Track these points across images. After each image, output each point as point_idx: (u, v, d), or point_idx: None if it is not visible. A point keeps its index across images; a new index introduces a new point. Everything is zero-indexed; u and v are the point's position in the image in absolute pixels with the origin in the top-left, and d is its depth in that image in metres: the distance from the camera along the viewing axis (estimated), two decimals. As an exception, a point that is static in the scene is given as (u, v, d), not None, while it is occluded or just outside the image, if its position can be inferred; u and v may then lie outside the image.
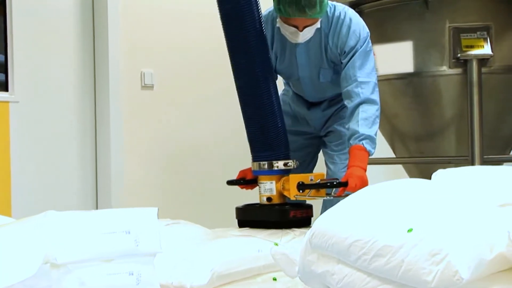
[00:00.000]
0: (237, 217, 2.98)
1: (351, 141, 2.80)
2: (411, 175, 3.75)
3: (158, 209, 2.42)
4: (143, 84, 4.40)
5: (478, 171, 2.13)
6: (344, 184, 2.73)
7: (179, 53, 4.42)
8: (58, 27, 4.14)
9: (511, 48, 3.38)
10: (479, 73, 3.25)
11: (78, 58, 4.27)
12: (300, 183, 2.80)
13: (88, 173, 4.22)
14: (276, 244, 2.28)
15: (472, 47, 3.28)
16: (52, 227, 2.13)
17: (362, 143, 2.79)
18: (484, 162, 3.30)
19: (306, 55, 2.91)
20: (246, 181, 3.02)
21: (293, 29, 2.78)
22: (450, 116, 3.46)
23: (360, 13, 3.54)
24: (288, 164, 2.89)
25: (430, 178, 2.10)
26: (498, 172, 2.04)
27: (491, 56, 3.28)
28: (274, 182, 2.90)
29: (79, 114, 4.22)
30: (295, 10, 2.71)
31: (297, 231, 2.74)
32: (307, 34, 2.79)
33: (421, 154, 3.61)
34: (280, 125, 2.86)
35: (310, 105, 3.12)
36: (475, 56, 3.26)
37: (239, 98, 2.88)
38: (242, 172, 3.05)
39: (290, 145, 2.98)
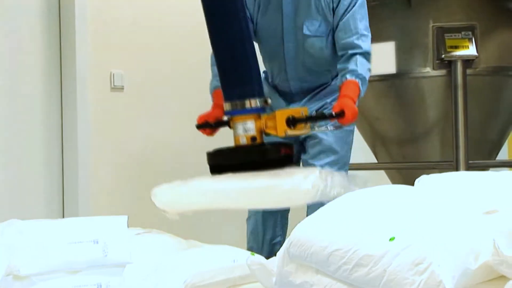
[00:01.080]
0: (215, 162, 2.77)
1: (347, 76, 2.74)
2: (394, 181, 3.69)
3: (128, 217, 2.36)
4: (112, 86, 4.31)
5: (462, 177, 2.12)
6: (341, 115, 2.64)
7: (151, 53, 4.32)
8: (21, 24, 4.03)
9: (497, 48, 3.34)
10: (464, 74, 3.21)
11: (43, 57, 4.17)
12: (291, 117, 2.63)
13: (54, 179, 4.11)
14: (253, 254, 2.23)
15: (456, 47, 3.24)
16: (15, 237, 2.06)
17: (358, 81, 2.73)
18: (469, 167, 3.23)
19: (293, 3, 2.88)
20: (216, 123, 2.88)
21: None
22: (434, 120, 3.41)
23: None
24: (267, 102, 2.69)
25: (413, 184, 2.06)
26: (483, 178, 2.02)
27: (476, 57, 3.24)
28: (253, 121, 2.69)
29: (44, 116, 4.11)
30: None
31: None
32: None
33: (404, 159, 3.56)
34: (252, 62, 2.68)
35: (290, 101, 3.02)
36: (460, 57, 3.21)
37: (210, 39, 2.71)
38: (202, 117, 2.90)
39: None
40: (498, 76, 3.37)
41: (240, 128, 2.71)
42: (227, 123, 2.78)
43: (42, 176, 4.04)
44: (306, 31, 2.89)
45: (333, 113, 2.64)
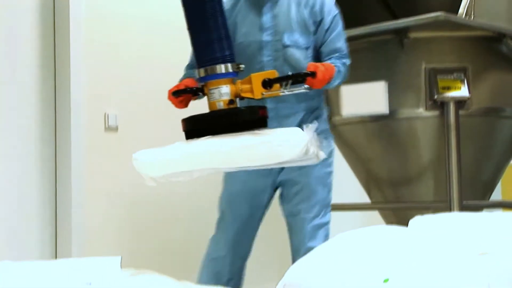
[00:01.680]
0: (193, 127, 2.83)
1: (327, 60, 2.88)
2: (388, 221, 3.68)
3: (121, 258, 2.34)
4: (107, 126, 4.32)
5: (456, 217, 2.12)
6: (313, 75, 2.73)
7: (146, 93, 4.34)
8: (17, 62, 4.06)
9: (488, 90, 3.35)
10: (457, 115, 3.21)
11: (37, 97, 4.17)
12: (267, 79, 2.74)
13: (47, 220, 4.09)
14: None
15: (449, 88, 3.25)
16: (5, 280, 2.05)
17: (336, 69, 2.85)
18: (463, 208, 3.22)
19: (272, 14, 2.95)
20: (191, 89, 2.89)
21: None
22: (428, 160, 3.41)
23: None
24: (239, 67, 2.80)
25: (407, 225, 2.06)
26: (477, 218, 2.01)
27: (468, 98, 3.25)
28: (228, 85, 2.79)
29: (38, 156, 4.10)
30: None
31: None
32: None
33: (398, 199, 3.55)
34: (224, 30, 2.82)
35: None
36: (452, 98, 3.22)
37: (184, 12, 2.85)
38: (179, 85, 2.96)
39: (234, 187, 3.01)
40: (490, 117, 3.38)
41: (216, 93, 2.80)
42: (201, 91, 2.85)
43: (36, 216, 4.02)
44: (286, 41, 2.93)
45: (307, 72, 2.74)
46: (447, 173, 3.25)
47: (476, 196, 3.49)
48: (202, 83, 2.84)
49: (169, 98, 2.95)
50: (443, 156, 3.29)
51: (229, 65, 2.80)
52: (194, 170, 2.77)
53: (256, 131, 2.70)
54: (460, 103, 3.23)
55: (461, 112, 3.24)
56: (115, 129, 4.31)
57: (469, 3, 3.25)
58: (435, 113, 3.28)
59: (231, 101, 2.79)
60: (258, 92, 2.76)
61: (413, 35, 3.31)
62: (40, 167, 4.12)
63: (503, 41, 3.31)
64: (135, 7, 4.30)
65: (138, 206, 4.32)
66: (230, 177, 3.07)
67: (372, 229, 1.96)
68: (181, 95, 2.91)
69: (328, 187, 2.98)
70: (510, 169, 3.81)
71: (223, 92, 2.81)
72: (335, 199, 2.99)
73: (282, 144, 2.62)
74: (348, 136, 3.58)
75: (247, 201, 3.05)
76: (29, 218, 4.03)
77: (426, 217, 2.07)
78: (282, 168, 3.00)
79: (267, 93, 2.75)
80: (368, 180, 3.68)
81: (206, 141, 2.72)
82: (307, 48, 2.94)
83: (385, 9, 4.11)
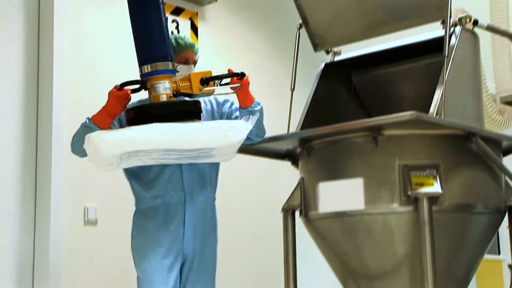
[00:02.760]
0: (143, 115, 3.13)
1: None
2: (364, 314, 3.66)
3: None
4: (86, 220, 4.33)
5: None
6: (243, 75, 3.27)
7: (125, 187, 4.37)
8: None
9: (460, 186, 3.41)
10: (430, 211, 3.25)
11: (18, 193, 4.20)
12: (204, 78, 3.24)
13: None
14: None
15: (422, 184, 3.31)
16: None
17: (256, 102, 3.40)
18: (438, 302, 3.23)
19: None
20: (140, 81, 3.22)
21: None
22: (403, 255, 3.43)
23: (310, 149, 3.59)
24: (176, 66, 3.28)
25: None
26: None
27: (441, 194, 3.30)
28: (170, 81, 3.21)
29: (17, 251, 4.09)
30: None
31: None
32: None
33: (374, 294, 3.55)
34: (166, 31, 3.27)
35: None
36: (425, 194, 3.27)
37: (130, 17, 3.27)
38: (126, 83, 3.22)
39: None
40: (463, 213, 3.42)
41: (160, 87, 3.17)
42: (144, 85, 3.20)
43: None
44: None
45: (237, 72, 3.26)
46: (421, 268, 3.26)
47: (451, 291, 3.49)
48: (145, 78, 3.19)
49: (115, 93, 3.19)
50: (418, 250, 3.31)
51: (170, 63, 3.23)
52: (151, 150, 3.05)
53: (201, 121, 3.25)
54: (433, 199, 3.27)
55: (434, 208, 3.28)
56: (95, 222, 4.33)
57: (439, 103, 3.35)
58: (409, 208, 3.32)
59: (174, 94, 3.20)
60: (197, 88, 3.24)
61: (387, 132, 3.38)
62: (19, 265, 4.09)
63: (473, 139, 3.39)
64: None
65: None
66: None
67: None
68: (126, 87, 3.18)
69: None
70: (484, 263, 3.84)
71: (166, 86, 3.19)
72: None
73: (230, 130, 3.13)
74: (324, 230, 3.61)
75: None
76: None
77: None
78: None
79: (204, 90, 3.24)
80: (344, 273, 3.68)
81: (163, 124, 3.09)
82: None
83: (360, 107, 4.21)
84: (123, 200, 4.38)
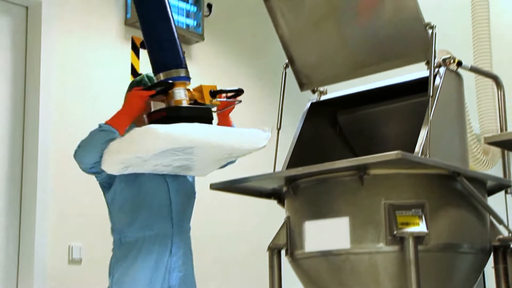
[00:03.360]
0: (178, 115, 3.31)
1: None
2: None
3: None
4: (70, 259, 4.30)
5: None
6: (241, 91, 3.61)
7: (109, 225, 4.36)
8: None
9: (446, 226, 3.41)
10: (416, 250, 3.25)
11: (2, 227, 4.17)
12: (212, 90, 3.49)
13: None
14: None
15: (407, 224, 3.31)
16: None
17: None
18: None
19: None
20: (169, 83, 3.39)
21: None
22: (389, 294, 3.42)
23: (296, 188, 3.59)
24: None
25: None
26: None
27: (426, 233, 3.30)
28: (185, 88, 3.42)
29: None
30: None
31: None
32: None
33: (360, 333, 3.52)
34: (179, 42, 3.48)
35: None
36: (411, 233, 3.27)
37: (147, 26, 3.43)
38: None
39: None
40: (448, 252, 3.42)
41: (182, 93, 3.38)
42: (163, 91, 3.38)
43: None
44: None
45: (238, 88, 3.61)
46: (408, 307, 3.24)
47: (437, 331, 3.47)
48: (172, 82, 3.37)
49: (140, 93, 3.37)
50: (404, 290, 3.30)
51: (186, 71, 3.44)
52: (192, 148, 3.29)
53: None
54: (418, 238, 3.27)
55: (420, 247, 3.28)
56: (79, 261, 4.29)
57: (424, 143, 3.37)
58: (395, 248, 3.32)
59: (195, 101, 3.43)
60: (208, 99, 3.47)
61: (372, 171, 3.39)
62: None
63: (458, 179, 3.41)
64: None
65: None
66: None
67: None
68: (153, 91, 3.38)
69: None
70: (470, 303, 3.83)
71: (186, 93, 3.41)
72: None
73: (255, 135, 3.53)
74: (310, 269, 3.60)
75: None
76: None
77: None
78: None
79: (213, 101, 3.49)
80: (331, 313, 3.66)
81: (202, 124, 3.32)
82: None
83: (346, 146, 4.23)
84: (108, 238, 4.37)
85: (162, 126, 3.17)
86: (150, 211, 3.44)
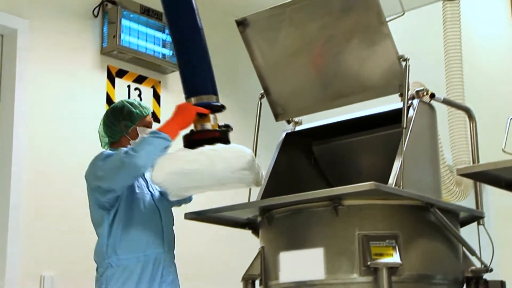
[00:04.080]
0: (223, 138, 3.60)
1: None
2: None
3: None
4: (42, 290, 4.25)
5: None
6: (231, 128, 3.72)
7: (83, 254, 4.32)
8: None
9: (419, 257, 3.43)
10: (389, 281, 3.25)
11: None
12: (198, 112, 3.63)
13: None
14: None
15: (381, 255, 3.32)
16: None
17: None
18: None
19: None
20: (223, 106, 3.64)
21: None
22: (363, 326, 3.41)
23: (271, 218, 3.59)
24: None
25: None
26: None
27: (400, 264, 3.31)
28: None
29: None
30: None
31: None
32: None
33: None
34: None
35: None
36: (385, 264, 3.28)
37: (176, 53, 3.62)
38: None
39: None
40: (422, 283, 3.43)
41: (215, 118, 3.64)
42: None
43: None
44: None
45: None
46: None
47: None
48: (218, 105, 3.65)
49: (195, 108, 3.54)
50: (377, 321, 3.29)
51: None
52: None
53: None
54: (392, 269, 3.28)
55: (393, 278, 3.28)
56: (51, 292, 4.24)
57: (398, 174, 3.39)
58: (369, 278, 3.32)
59: (226, 125, 3.70)
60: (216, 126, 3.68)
61: (347, 202, 3.41)
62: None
63: (431, 210, 3.43)
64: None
65: None
66: None
67: None
68: (207, 110, 3.59)
69: None
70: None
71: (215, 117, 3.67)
72: None
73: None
74: (284, 300, 3.59)
75: None
76: None
77: None
78: None
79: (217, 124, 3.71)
80: None
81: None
82: None
83: (321, 176, 4.25)
84: (81, 268, 4.33)
85: (244, 148, 3.53)
86: (145, 236, 3.48)
